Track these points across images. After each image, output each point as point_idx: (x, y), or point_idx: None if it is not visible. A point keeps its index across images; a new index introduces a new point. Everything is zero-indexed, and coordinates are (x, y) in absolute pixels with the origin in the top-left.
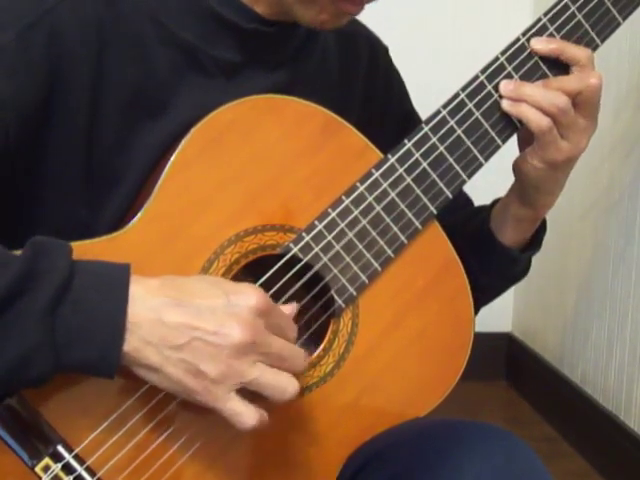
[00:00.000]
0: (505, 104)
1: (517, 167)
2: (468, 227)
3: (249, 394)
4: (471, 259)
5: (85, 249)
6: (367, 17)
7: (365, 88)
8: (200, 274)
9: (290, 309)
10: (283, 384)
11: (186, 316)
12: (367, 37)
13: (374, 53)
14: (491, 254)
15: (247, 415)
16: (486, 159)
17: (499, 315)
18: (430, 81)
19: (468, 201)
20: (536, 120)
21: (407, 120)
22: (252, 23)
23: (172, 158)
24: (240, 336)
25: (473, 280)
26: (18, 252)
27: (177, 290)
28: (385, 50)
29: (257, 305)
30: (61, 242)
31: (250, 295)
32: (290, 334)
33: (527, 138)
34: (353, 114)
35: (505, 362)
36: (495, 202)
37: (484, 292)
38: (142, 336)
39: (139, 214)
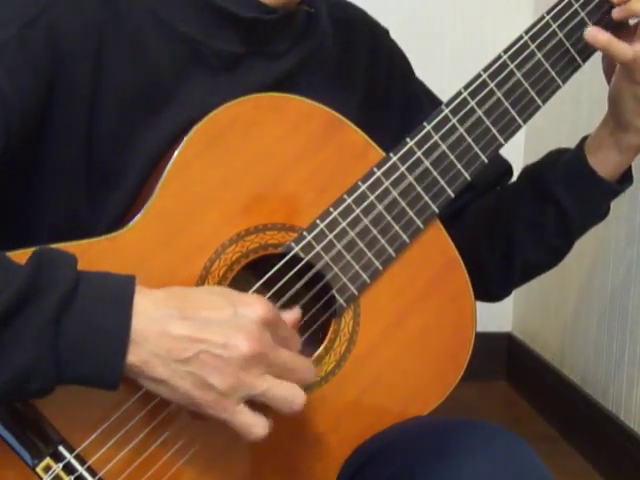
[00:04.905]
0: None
1: (612, 96)
2: (557, 169)
3: (253, 404)
4: (567, 201)
5: (86, 248)
6: None
7: (367, 72)
8: (201, 273)
9: (293, 315)
10: (291, 396)
11: (192, 329)
12: (366, 22)
13: (375, 37)
14: (590, 189)
15: (258, 426)
16: (488, 157)
17: (499, 315)
18: (431, 81)
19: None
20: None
21: (412, 102)
22: (251, 12)
23: (173, 156)
24: (248, 348)
25: (562, 225)
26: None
27: (183, 302)
28: (385, 32)
29: (264, 316)
30: (66, 253)
31: (256, 307)
32: (294, 345)
33: (611, 65)
34: (356, 98)
35: (505, 362)
36: (583, 140)
37: (570, 235)
38: (149, 349)
39: (140, 213)
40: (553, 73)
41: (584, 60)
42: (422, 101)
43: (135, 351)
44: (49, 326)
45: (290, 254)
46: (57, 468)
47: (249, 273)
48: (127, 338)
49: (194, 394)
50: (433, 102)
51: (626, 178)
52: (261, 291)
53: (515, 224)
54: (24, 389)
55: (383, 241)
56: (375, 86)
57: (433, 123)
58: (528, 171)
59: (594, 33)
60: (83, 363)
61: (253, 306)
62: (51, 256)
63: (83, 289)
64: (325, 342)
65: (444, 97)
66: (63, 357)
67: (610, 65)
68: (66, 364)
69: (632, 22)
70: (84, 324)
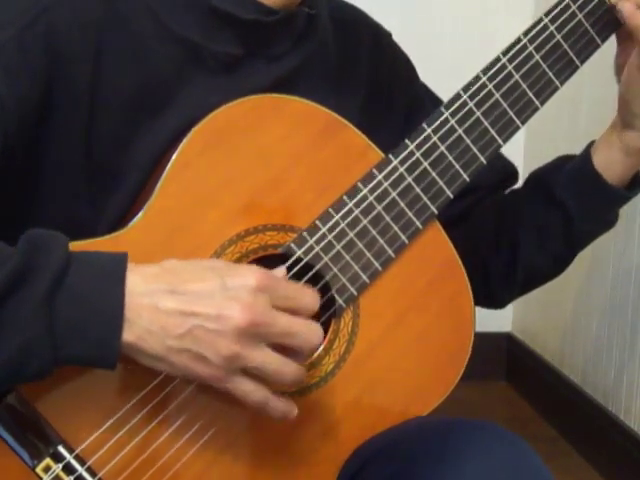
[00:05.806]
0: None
1: (624, 93)
2: (563, 173)
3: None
4: (572, 205)
5: (86, 248)
6: None
7: (369, 73)
8: None
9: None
10: (285, 369)
11: (182, 302)
12: (368, 24)
13: (377, 39)
14: (594, 193)
15: (256, 393)
16: (487, 158)
17: (499, 315)
18: (431, 81)
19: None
20: None
21: (416, 105)
22: (251, 14)
23: (173, 157)
24: (240, 319)
25: (567, 230)
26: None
27: (172, 276)
28: (388, 35)
29: (256, 284)
30: (57, 234)
31: (247, 275)
32: (304, 300)
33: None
34: (357, 100)
35: (505, 362)
36: (589, 146)
37: (575, 242)
38: (143, 325)
39: (140, 213)
40: (551, 74)
41: (582, 61)
42: (426, 105)
43: (129, 329)
44: (42, 306)
45: (293, 257)
46: (57, 468)
47: None
48: (121, 317)
49: (191, 368)
50: (437, 105)
51: (636, 184)
52: None
53: (520, 227)
54: (22, 371)
55: (382, 242)
56: (377, 88)
57: (432, 125)
58: (535, 174)
59: (632, 9)
60: (79, 343)
61: (244, 276)
62: (42, 238)
63: (75, 269)
64: (324, 343)
65: (444, 98)
66: (59, 337)
67: (624, 62)
68: (62, 344)
69: None
70: (77, 304)
